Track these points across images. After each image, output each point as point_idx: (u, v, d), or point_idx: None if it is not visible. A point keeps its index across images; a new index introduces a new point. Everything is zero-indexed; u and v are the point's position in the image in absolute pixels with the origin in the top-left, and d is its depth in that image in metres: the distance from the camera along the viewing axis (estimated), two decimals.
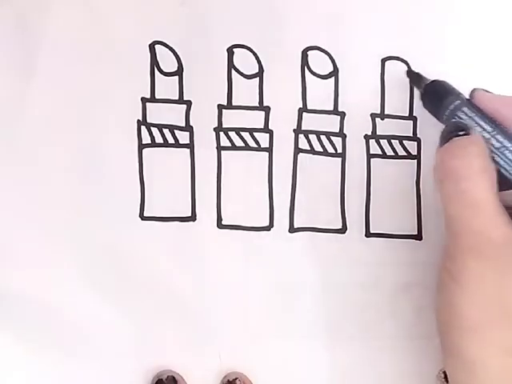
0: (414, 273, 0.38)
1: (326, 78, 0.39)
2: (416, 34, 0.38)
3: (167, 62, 0.39)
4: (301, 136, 0.39)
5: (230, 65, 0.39)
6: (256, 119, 0.39)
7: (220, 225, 0.39)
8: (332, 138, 0.39)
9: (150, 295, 0.39)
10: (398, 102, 0.37)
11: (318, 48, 0.38)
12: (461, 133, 0.32)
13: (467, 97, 0.35)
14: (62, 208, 0.39)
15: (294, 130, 0.39)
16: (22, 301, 0.39)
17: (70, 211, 0.39)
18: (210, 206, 0.39)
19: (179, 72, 0.39)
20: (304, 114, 0.39)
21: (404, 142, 0.39)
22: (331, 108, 0.39)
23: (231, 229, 0.39)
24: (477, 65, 0.38)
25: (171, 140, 0.39)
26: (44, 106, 0.39)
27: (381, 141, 0.39)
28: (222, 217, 0.39)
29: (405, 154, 0.39)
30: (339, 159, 0.39)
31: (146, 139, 0.39)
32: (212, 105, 0.39)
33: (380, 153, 0.39)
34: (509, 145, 0.32)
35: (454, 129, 0.33)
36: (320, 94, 0.39)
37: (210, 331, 0.39)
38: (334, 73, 0.39)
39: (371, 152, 0.39)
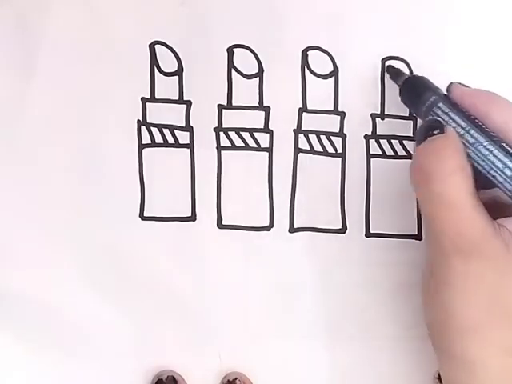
0: (413, 273, 0.38)
1: (326, 78, 0.39)
2: (416, 34, 0.38)
3: (167, 62, 0.39)
4: (301, 136, 0.39)
5: (230, 65, 0.39)
6: (256, 119, 0.39)
7: (220, 225, 0.39)
8: (332, 137, 0.39)
9: (150, 295, 0.39)
10: (397, 102, 0.37)
11: (318, 48, 0.38)
12: (435, 131, 0.32)
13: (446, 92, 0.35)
14: (62, 208, 0.39)
15: (294, 130, 0.39)
16: (21, 301, 0.39)
17: (70, 211, 0.39)
18: (210, 206, 0.39)
19: (179, 72, 0.39)
20: (304, 114, 0.39)
21: (404, 141, 0.39)
22: (331, 108, 0.39)
23: (231, 229, 0.39)
24: (477, 65, 0.38)
25: (171, 140, 0.39)
26: (44, 106, 0.39)
27: (381, 141, 0.39)
28: (222, 217, 0.39)
29: (405, 153, 0.39)
30: (339, 159, 0.39)
31: (146, 139, 0.39)
32: (212, 105, 0.39)
33: (380, 153, 0.39)
34: (482, 140, 0.32)
35: (429, 127, 0.33)
36: (320, 93, 0.39)
37: (210, 331, 0.39)
38: (334, 73, 0.39)
39: (371, 152, 0.39)
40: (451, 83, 0.35)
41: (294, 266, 0.39)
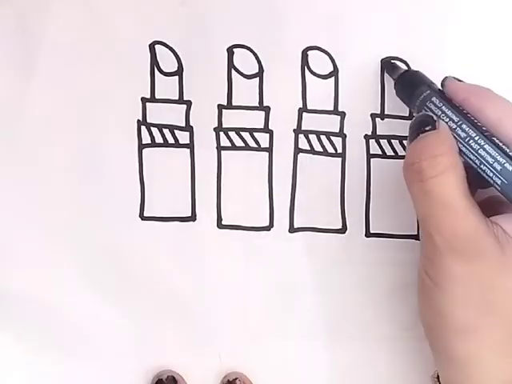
0: (413, 273, 0.38)
1: (326, 78, 0.39)
2: (416, 34, 0.38)
3: (167, 62, 0.39)
4: (301, 136, 0.39)
5: (230, 65, 0.39)
6: (256, 119, 0.39)
7: (220, 225, 0.39)
8: (332, 137, 0.39)
9: (150, 295, 0.39)
10: (397, 102, 0.37)
11: (318, 48, 0.38)
12: (427, 128, 0.32)
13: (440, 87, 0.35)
14: (62, 208, 0.39)
15: (294, 130, 0.39)
16: (22, 301, 0.39)
17: (70, 211, 0.39)
18: (210, 206, 0.39)
19: (179, 72, 0.39)
20: (304, 114, 0.39)
21: (404, 141, 0.39)
22: (331, 108, 0.39)
23: (231, 229, 0.39)
24: (477, 65, 0.38)
25: (171, 140, 0.39)
26: (44, 106, 0.39)
27: (381, 141, 0.39)
28: (222, 217, 0.39)
29: (405, 154, 0.39)
30: (339, 159, 0.39)
31: (146, 139, 0.39)
32: (212, 105, 0.39)
33: (380, 153, 0.39)
34: (474, 135, 0.32)
35: (420, 123, 0.32)
36: (320, 93, 0.39)
37: (210, 331, 0.39)
38: (334, 73, 0.39)
39: (371, 152, 0.39)
40: (446, 77, 0.35)
41: (293, 266, 0.39)
